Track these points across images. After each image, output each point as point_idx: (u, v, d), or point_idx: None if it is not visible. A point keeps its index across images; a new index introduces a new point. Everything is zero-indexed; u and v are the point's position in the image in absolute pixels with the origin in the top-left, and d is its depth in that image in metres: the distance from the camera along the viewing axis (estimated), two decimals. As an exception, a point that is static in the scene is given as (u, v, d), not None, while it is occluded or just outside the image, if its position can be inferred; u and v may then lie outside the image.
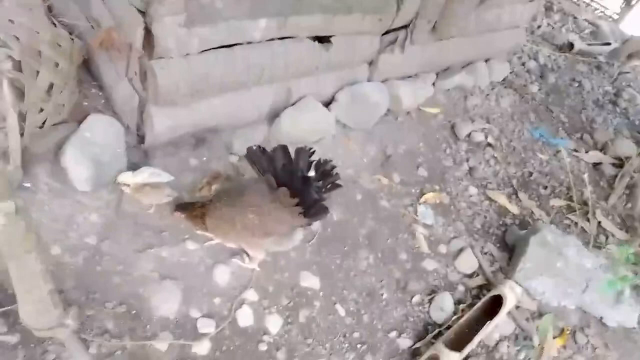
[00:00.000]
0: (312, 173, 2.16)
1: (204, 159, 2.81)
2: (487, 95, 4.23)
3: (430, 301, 2.62)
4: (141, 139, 2.66)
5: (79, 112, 2.52)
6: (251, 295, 2.31)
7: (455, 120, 3.81)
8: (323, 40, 2.97)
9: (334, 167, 2.18)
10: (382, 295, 2.57)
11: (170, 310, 2.15)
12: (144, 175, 2.34)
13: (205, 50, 2.44)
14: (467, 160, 3.55)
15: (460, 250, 2.90)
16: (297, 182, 2.09)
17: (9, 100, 1.82)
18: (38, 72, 2.04)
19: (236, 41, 2.55)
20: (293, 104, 3.08)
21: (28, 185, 2.22)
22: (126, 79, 2.51)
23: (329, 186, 2.16)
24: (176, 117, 2.58)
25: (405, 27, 3.38)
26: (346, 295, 2.50)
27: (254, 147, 2.18)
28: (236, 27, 2.46)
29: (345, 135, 3.27)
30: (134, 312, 2.09)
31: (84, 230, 2.24)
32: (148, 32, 2.21)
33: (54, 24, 2.31)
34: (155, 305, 2.13)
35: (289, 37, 2.77)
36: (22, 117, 1.95)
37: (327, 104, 3.28)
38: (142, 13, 2.14)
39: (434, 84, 3.98)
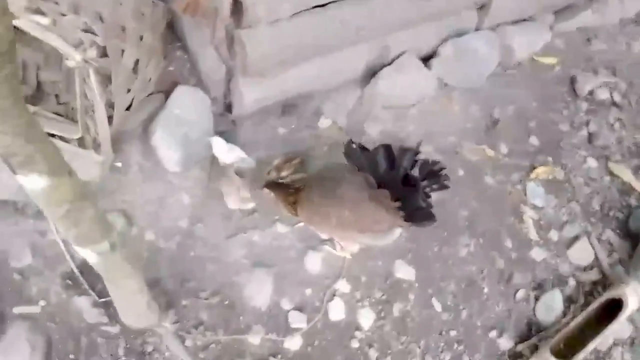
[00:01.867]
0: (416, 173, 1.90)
1: (293, 126, 2.62)
2: (616, 37, 3.56)
3: (536, 297, 2.38)
4: (228, 107, 2.50)
5: (165, 80, 2.38)
6: (343, 285, 2.20)
7: (574, 72, 3.26)
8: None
9: (442, 168, 1.90)
10: (482, 288, 2.37)
11: (263, 301, 2.09)
12: (235, 154, 2.21)
13: (296, 14, 2.14)
14: (587, 123, 3.07)
15: (575, 238, 2.58)
16: (400, 185, 1.84)
17: (97, 91, 1.69)
18: (123, 50, 1.87)
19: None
20: (390, 63, 2.74)
21: (119, 164, 2.17)
22: (212, 47, 2.29)
23: (435, 187, 1.90)
24: (265, 87, 2.37)
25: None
26: (443, 287, 2.32)
27: (353, 145, 1.94)
28: (332, -16, 2.12)
29: (447, 96, 2.90)
30: (227, 302, 2.06)
31: (176, 212, 2.18)
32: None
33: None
34: (248, 295, 2.09)
35: (389, -11, 2.39)
36: (109, 103, 1.82)
37: (428, 58, 2.89)
38: (230, -21, 1.87)
39: (551, 26, 3.39)
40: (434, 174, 1.92)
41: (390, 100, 2.73)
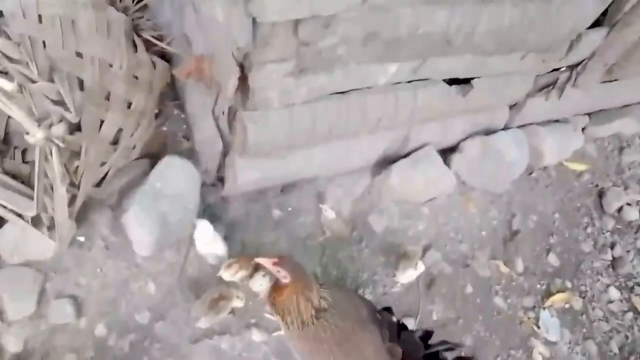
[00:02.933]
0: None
1: (290, 209, 2.34)
2: (650, 149, 3.31)
3: None
4: (221, 180, 2.22)
5: (154, 141, 2.10)
6: (318, 419, 1.87)
7: (603, 184, 3.00)
8: (460, 81, 2.30)
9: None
10: None
11: None
12: (215, 246, 1.91)
13: (313, 98, 1.88)
14: (612, 246, 2.79)
15: (588, 386, 2.26)
16: None
17: (57, 172, 1.40)
18: (102, 121, 1.59)
19: (354, 87, 1.97)
20: (408, 154, 2.47)
21: (82, 239, 1.87)
22: (212, 116, 2.03)
23: None
24: (265, 169, 2.10)
25: (569, 67, 2.58)
26: None
27: (392, 318, 1.63)
28: (358, 72, 1.87)
29: (465, 195, 2.63)
30: None
31: (137, 302, 1.88)
32: (244, 78, 1.68)
33: (134, 43, 1.84)
34: (203, 421, 1.76)
35: (419, 80, 2.14)
36: (73, 183, 1.53)
37: (448, 150, 2.63)
38: (237, 61, 1.60)
39: (583, 129, 3.14)
40: None
41: (401, 195, 2.45)
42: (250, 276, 1.96)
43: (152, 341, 1.83)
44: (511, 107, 2.70)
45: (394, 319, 1.60)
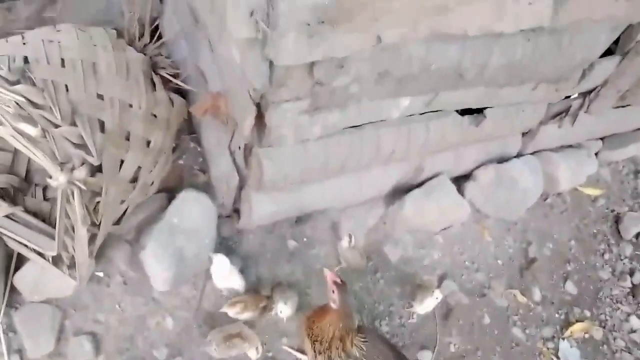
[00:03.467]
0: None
1: (305, 240, 2.35)
2: (667, 172, 3.28)
3: None
4: (237, 212, 2.23)
5: (172, 173, 2.13)
6: None
7: (619, 209, 2.97)
8: (473, 111, 2.31)
9: None
10: None
11: None
12: (232, 280, 1.92)
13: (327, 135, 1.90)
14: (631, 273, 2.75)
15: (612, 420, 2.20)
16: None
17: (78, 214, 1.43)
18: (122, 161, 1.62)
19: (367, 121, 1.99)
20: (421, 183, 2.47)
21: (101, 274, 1.90)
22: (228, 151, 2.06)
23: None
24: (280, 202, 2.11)
25: (582, 94, 2.58)
26: None
27: None
28: (371, 107, 1.89)
29: (480, 224, 2.61)
30: None
31: (154, 338, 1.89)
32: (260, 116, 1.71)
33: (152, 81, 1.89)
34: None
35: (432, 112, 2.15)
36: (93, 223, 1.56)
37: (461, 178, 2.63)
38: (255, 101, 1.63)
39: (597, 153, 3.12)
40: None
41: (415, 224, 2.45)
42: (255, 317, 1.96)
43: (169, 379, 1.83)
44: (524, 134, 2.71)
45: None
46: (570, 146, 2.96)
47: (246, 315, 1.92)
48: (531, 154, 2.77)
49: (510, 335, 2.33)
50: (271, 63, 1.46)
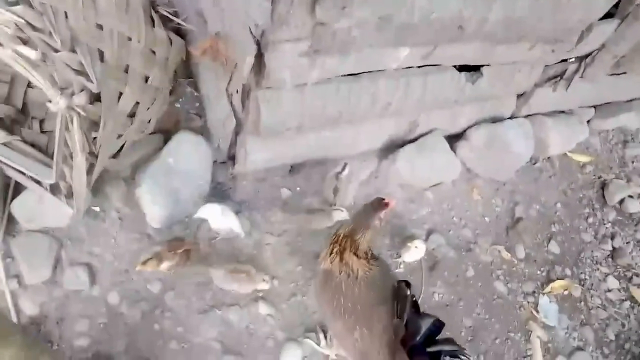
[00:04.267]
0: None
1: (298, 189, 2.38)
2: (654, 144, 3.34)
3: None
4: (232, 158, 2.26)
5: (168, 117, 2.14)
6: (321, 392, 1.94)
7: (606, 176, 3.04)
8: (470, 68, 2.33)
9: None
10: (476, 414, 2.10)
11: (225, 399, 1.83)
12: (228, 221, 1.95)
13: (325, 80, 1.92)
14: (612, 237, 2.83)
15: (583, 370, 2.32)
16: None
17: (78, 141, 1.44)
18: (121, 93, 1.63)
19: (365, 70, 2.00)
20: (415, 139, 2.51)
21: (97, 209, 1.92)
22: (225, 95, 2.06)
23: None
24: (275, 148, 2.14)
25: (578, 58, 2.60)
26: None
27: (407, 291, 1.63)
28: (370, 55, 1.90)
29: (470, 182, 2.67)
30: (185, 393, 1.79)
31: (148, 273, 1.92)
32: (259, 56, 1.72)
33: (152, 19, 1.87)
34: (210, 388, 1.82)
35: (429, 66, 2.17)
36: (91, 153, 1.58)
37: (455, 136, 2.66)
38: (256, 38, 1.63)
39: (589, 121, 3.17)
40: None
41: (407, 179, 2.49)
42: (178, 264, 1.86)
43: (162, 310, 1.89)
44: (519, 96, 2.74)
45: (409, 292, 1.63)
46: (562, 112, 3.00)
47: (166, 266, 1.83)
48: (524, 117, 2.81)
49: (493, 288, 2.41)
50: (273, -2, 1.46)
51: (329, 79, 1.92)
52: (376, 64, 1.98)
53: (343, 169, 2.20)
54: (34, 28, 1.39)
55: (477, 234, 2.54)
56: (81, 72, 1.44)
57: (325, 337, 2.01)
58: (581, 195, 2.94)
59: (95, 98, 1.50)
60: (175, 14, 1.98)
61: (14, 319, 1.68)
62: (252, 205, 2.27)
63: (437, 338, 1.58)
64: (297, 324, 2.04)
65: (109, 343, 1.76)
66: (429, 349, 1.54)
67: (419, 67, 2.15)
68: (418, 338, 1.54)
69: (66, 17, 1.49)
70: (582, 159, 3.05)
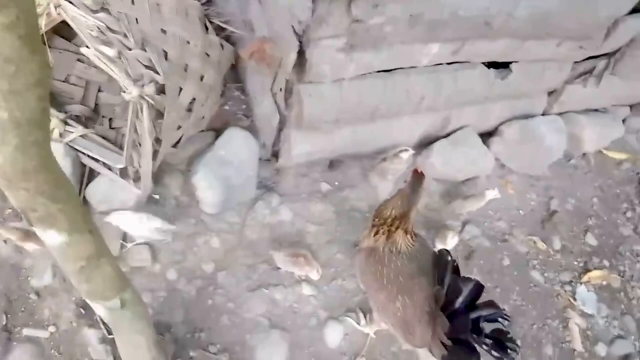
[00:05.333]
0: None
1: (336, 183, 2.54)
2: (694, 141, 3.32)
3: (574, 421, 2.14)
4: (275, 154, 2.45)
5: (219, 117, 2.36)
6: (362, 366, 2.05)
7: (645, 173, 3.04)
8: (499, 65, 2.45)
9: (515, 349, 1.61)
10: (516, 396, 2.14)
11: (274, 368, 1.96)
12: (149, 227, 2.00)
13: (361, 75, 2.09)
14: (653, 231, 2.83)
15: (625, 357, 2.32)
16: (467, 328, 1.60)
17: (147, 127, 1.66)
18: (181, 89, 1.86)
19: (398, 66, 2.16)
20: (448, 135, 2.63)
21: (157, 197, 2.14)
22: (270, 94, 2.27)
23: (493, 355, 1.61)
24: (316, 142, 2.31)
25: (607, 54, 2.68)
26: (471, 388, 2.11)
27: (447, 257, 1.73)
28: (402, 51, 2.06)
29: (503, 177, 2.75)
30: (236, 362, 1.95)
31: (203, 254, 2.12)
32: (301, 54, 1.92)
33: (206, 27, 2.12)
34: (259, 358, 1.96)
35: (460, 62, 2.31)
36: (157, 139, 1.80)
37: (488, 134, 2.77)
38: (298, 35, 1.84)
39: (624, 120, 3.20)
40: (503, 347, 1.61)
41: (441, 174, 2.60)
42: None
43: (215, 287, 2.06)
44: (549, 94, 2.83)
45: (449, 258, 1.72)
46: (596, 110, 3.05)
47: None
48: (556, 114, 2.89)
49: (529, 277, 2.47)
50: (314, -2, 1.66)
51: (364, 75, 2.10)
52: (408, 59, 2.14)
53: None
54: (112, 31, 1.64)
55: (512, 225, 2.61)
56: (150, 67, 1.67)
57: (365, 317, 2.13)
58: (618, 191, 2.96)
59: (161, 90, 1.73)
60: (226, 23, 2.22)
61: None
62: (294, 198, 2.44)
63: (477, 303, 1.66)
64: (338, 305, 2.17)
65: (169, 314, 1.95)
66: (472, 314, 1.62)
67: (449, 63, 2.30)
68: (460, 301, 1.63)
69: (137, 22, 1.75)
70: (619, 156, 3.08)
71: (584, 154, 3.01)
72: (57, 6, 1.61)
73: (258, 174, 2.36)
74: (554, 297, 2.44)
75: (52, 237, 0.96)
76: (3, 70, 0.69)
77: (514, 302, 2.37)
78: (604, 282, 2.55)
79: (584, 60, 2.66)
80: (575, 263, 2.58)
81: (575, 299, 2.44)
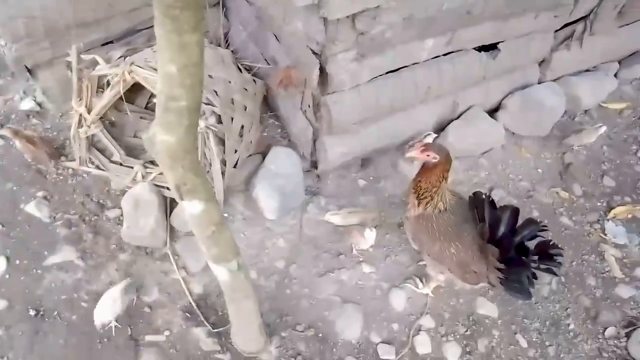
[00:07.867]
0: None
1: (371, 178, 2.89)
2: (688, 81, 3.58)
3: (627, 335, 2.36)
4: (314, 164, 2.83)
5: (261, 142, 2.78)
6: (427, 321, 2.34)
7: (646, 115, 3.31)
8: (489, 48, 2.82)
9: (559, 254, 1.87)
10: (568, 325, 2.39)
11: (353, 335, 2.28)
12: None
13: (374, 78, 2.48)
14: (666, 163, 3.07)
15: (664, 275, 2.55)
16: (513, 251, 1.88)
17: (214, 150, 2.07)
18: (232, 118, 2.28)
19: (403, 64, 2.55)
20: (459, 116, 2.99)
21: (226, 215, 2.53)
22: (301, 112, 2.68)
23: (543, 268, 1.89)
24: (347, 144, 2.69)
25: (583, 18, 3.03)
26: (527, 325, 2.38)
27: (483, 196, 2.04)
28: (404, 51, 2.46)
29: (517, 144, 3.07)
30: (321, 335, 2.27)
31: (273, 254, 2.48)
32: (322, 70, 2.32)
33: (239, 68, 2.56)
34: (339, 329, 2.28)
35: (455, 52, 2.69)
36: (222, 161, 2.20)
37: (494, 111, 3.11)
38: (317, 55, 2.25)
39: (616, 74, 3.50)
40: (549, 257, 1.87)
41: (460, 151, 2.94)
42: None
43: (290, 279, 2.41)
44: (540, 64, 3.17)
45: (484, 196, 2.03)
46: (587, 70, 3.37)
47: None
48: (551, 81, 3.22)
49: (559, 222, 2.74)
50: (325, 21, 2.08)
51: (376, 77, 2.49)
52: (410, 57, 2.53)
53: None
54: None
55: (534, 183, 2.91)
56: (209, 103, 2.10)
57: (421, 280, 2.44)
58: (625, 136, 3.23)
59: (218, 121, 2.15)
60: (252, 62, 2.66)
61: (189, 298, 2.27)
62: (339, 197, 2.80)
63: (517, 226, 1.92)
64: (396, 276, 2.48)
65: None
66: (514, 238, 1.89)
67: (445, 54, 2.67)
68: (502, 229, 1.92)
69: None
70: (618, 106, 3.36)
71: (585, 111, 3.31)
72: (129, 72, 2.06)
73: (304, 182, 2.74)
74: (586, 236, 2.70)
75: (195, 206, 1.33)
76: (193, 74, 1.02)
77: (551, 246, 2.63)
78: (630, 215, 2.80)
79: (562, 27, 3.01)
80: (599, 204, 2.84)
81: (605, 234, 2.69)
